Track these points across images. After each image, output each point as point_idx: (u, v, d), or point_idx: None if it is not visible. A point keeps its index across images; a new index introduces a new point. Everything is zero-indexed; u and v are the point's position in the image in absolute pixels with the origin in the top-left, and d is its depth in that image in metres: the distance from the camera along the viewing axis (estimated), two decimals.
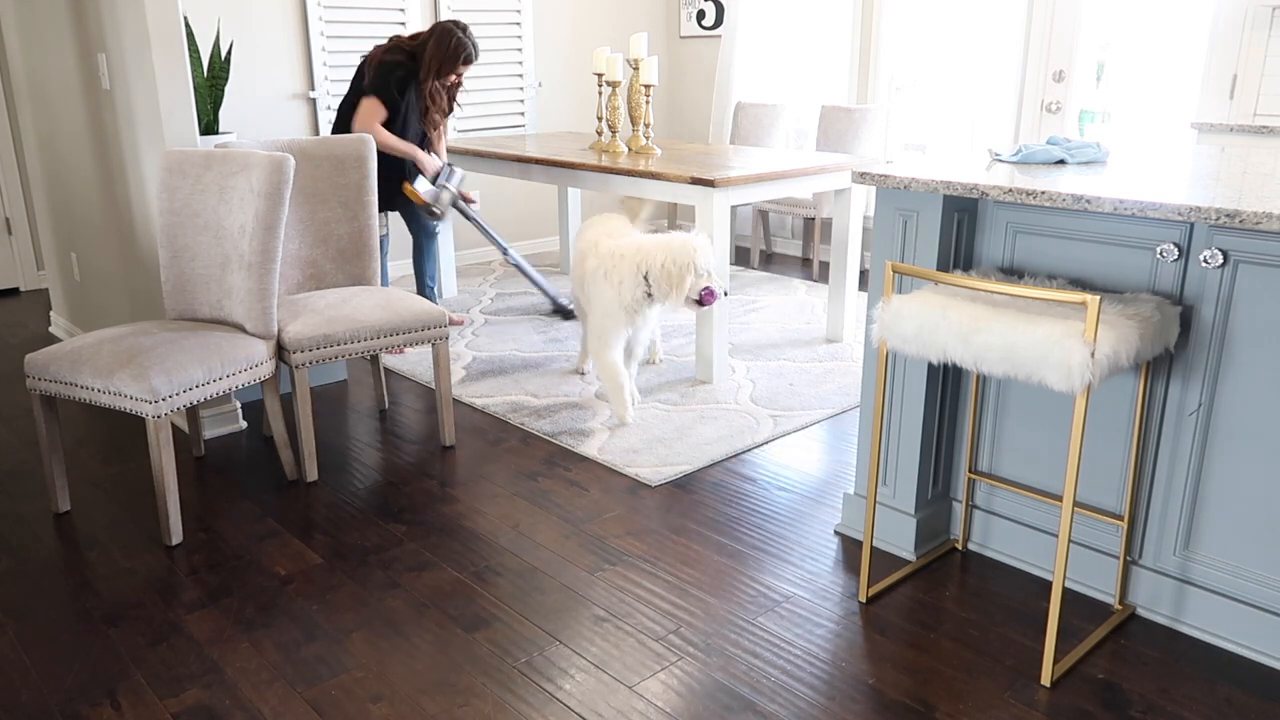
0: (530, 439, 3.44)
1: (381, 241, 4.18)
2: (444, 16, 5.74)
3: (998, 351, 1.96)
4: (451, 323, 4.47)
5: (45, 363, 2.73)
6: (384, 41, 4.27)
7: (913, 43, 5.70)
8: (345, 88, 5.38)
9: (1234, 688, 2.09)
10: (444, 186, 4.33)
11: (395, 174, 4.30)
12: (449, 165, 4.42)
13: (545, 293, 4.82)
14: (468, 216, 4.53)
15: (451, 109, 4.43)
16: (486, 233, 4.61)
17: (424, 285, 4.60)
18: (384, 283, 4.21)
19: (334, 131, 4.38)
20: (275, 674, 2.16)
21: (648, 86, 4.51)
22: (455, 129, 5.94)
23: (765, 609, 2.41)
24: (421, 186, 4.28)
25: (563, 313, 4.85)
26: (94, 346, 2.73)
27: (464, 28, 4.18)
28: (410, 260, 6.00)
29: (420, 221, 4.50)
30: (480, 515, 2.90)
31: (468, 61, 4.21)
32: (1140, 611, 2.35)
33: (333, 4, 5.26)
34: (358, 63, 4.33)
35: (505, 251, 4.63)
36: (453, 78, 4.29)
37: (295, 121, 5.30)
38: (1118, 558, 2.36)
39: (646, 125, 4.58)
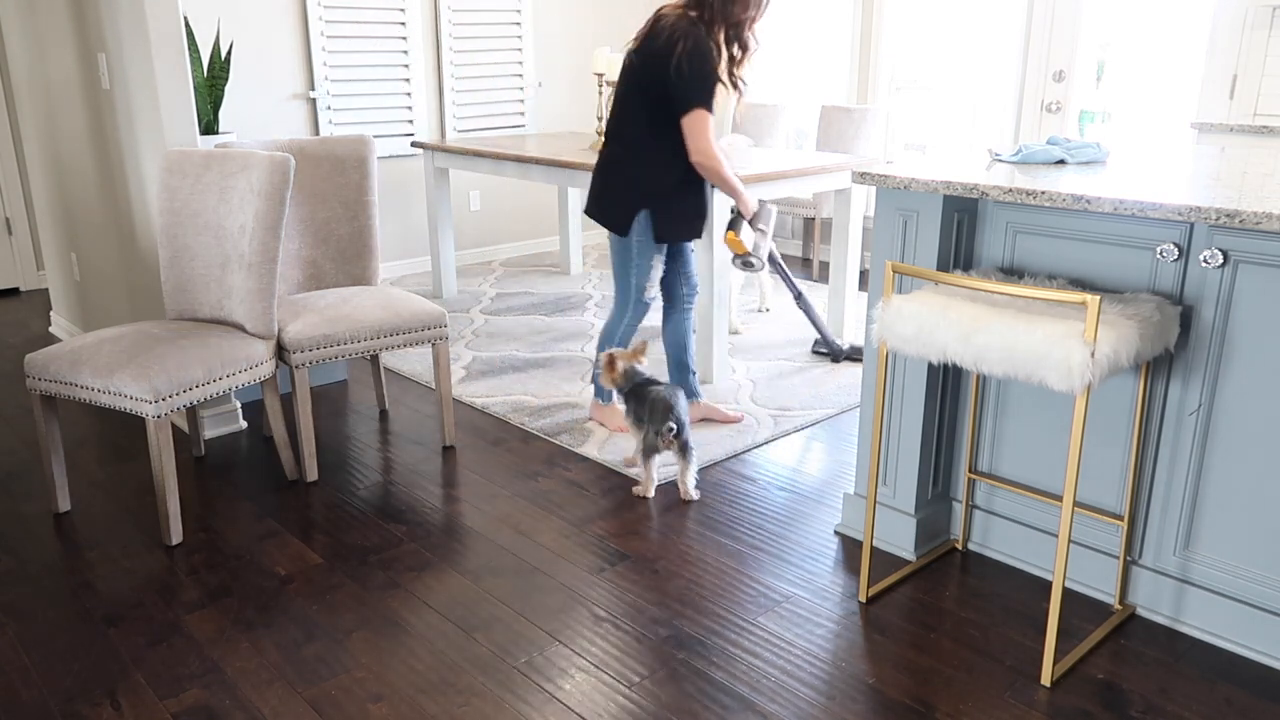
0: (530, 439, 3.44)
1: (689, 292, 3.37)
2: (444, 17, 5.70)
3: (998, 351, 1.96)
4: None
5: (45, 363, 2.73)
6: None
7: (913, 43, 5.70)
8: (345, 87, 5.39)
9: (1234, 688, 2.09)
10: (762, 231, 3.30)
11: (694, 199, 3.20)
12: (763, 202, 3.33)
13: (823, 333, 4.17)
14: (778, 266, 3.83)
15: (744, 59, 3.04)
16: (786, 276, 4.00)
17: (685, 365, 3.41)
18: (686, 344, 3.39)
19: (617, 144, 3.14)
20: (275, 674, 2.16)
21: None
22: (454, 129, 5.90)
23: (765, 609, 2.41)
24: (745, 234, 3.26)
25: (833, 353, 4.17)
26: (94, 346, 2.73)
27: None
28: (406, 260, 6.03)
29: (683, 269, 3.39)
30: (480, 515, 2.89)
31: None
32: (1140, 611, 2.35)
33: (333, 4, 5.25)
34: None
35: (799, 297, 4.02)
36: (750, 12, 2.91)
37: (295, 121, 5.30)
38: (1118, 558, 2.36)
39: None
